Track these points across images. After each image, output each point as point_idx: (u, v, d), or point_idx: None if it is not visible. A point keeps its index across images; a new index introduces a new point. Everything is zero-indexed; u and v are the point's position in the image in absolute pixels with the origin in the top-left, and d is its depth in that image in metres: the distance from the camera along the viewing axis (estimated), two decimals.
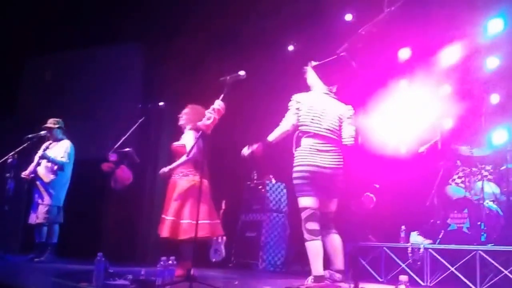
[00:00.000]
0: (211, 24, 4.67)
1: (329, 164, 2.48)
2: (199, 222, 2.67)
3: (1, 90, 5.21)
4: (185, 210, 2.98)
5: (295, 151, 2.54)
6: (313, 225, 2.41)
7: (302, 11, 4.37)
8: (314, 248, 2.39)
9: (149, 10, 4.83)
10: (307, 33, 4.56)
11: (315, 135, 2.49)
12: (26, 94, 5.68)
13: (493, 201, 3.41)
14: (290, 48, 4.94)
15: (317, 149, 2.48)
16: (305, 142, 2.50)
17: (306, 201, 2.46)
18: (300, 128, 2.55)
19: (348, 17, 4.45)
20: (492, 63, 3.73)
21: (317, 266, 2.38)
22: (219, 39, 4.78)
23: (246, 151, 2.51)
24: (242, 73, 2.43)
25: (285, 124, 2.56)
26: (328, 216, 2.55)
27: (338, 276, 2.45)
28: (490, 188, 3.40)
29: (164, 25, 4.89)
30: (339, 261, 2.48)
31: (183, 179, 3.07)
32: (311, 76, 2.67)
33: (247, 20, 4.51)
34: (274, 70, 4.57)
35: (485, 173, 3.44)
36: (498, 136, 3.58)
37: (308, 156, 2.47)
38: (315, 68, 2.51)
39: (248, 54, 4.32)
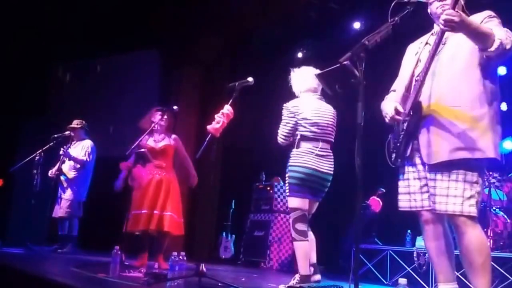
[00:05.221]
0: (224, 32, 4.81)
1: (325, 169, 2.51)
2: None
3: (31, 93, 5.57)
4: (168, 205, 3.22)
5: (292, 151, 2.54)
6: (303, 226, 2.46)
7: (312, 18, 4.44)
8: (302, 249, 2.43)
9: (166, 19, 5.04)
10: (316, 40, 4.63)
11: (316, 139, 2.51)
12: (54, 97, 6.02)
13: (500, 208, 3.40)
14: (299, 55, 4.98)
15: (316, 154, 2.50)
16: (305, 145, 2.51)
17: (299, 203, 2.48)
18: (300, 132, 2.54)
19: (357, 25, 4.48)
20: (500, 70, 3.72)
21: (304, 266, 2.42)
22: (232, 46, 4.92)
23: None
24: (250, 79, 2.48)
25: (289, 133, 2.55)
26: (308, 217, 2.58)
27: (310, 268, 2.50)
28: (497, 195, 3.40)
29: (180, 34, 5.08)
30: (313, 255, 2.55)
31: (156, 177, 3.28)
32: (298, 80, 2.70)
33: (259, 27, 4.62)
34: (283, 76, 4.66)
35: (493, 180, 3.43)
36: (507, 144, 3.57)
37: (305, 158, 2.48)
38: (318, 76, 2.59)
39: (259, 60, 4.43)
